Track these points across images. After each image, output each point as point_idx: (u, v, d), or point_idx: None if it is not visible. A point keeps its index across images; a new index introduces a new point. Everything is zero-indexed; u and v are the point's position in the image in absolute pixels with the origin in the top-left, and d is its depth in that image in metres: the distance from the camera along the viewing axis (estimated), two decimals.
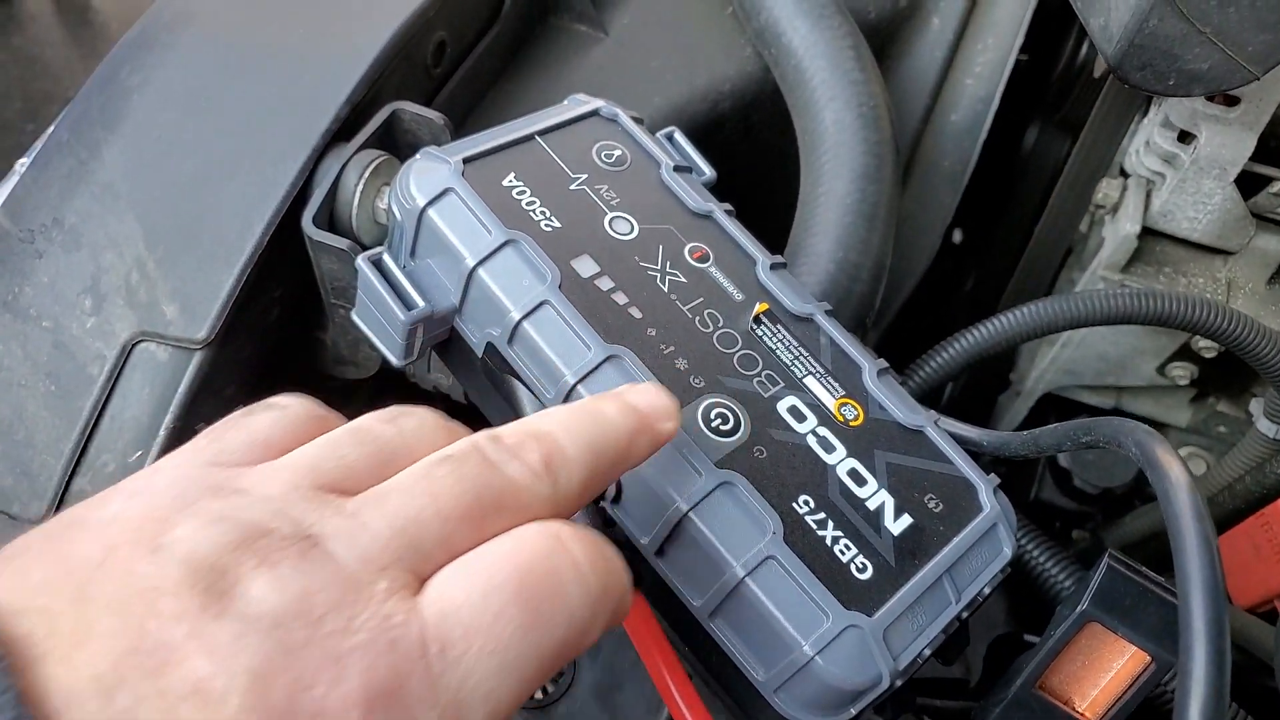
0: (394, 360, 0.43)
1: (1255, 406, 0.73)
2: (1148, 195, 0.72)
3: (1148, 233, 0.73)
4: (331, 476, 0.26)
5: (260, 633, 0.21)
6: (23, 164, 0.63)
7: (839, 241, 0.56)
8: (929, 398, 0.63)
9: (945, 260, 1.18)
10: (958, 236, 1.19)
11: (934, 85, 0.78)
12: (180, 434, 0.45)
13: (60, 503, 0.46)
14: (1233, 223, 0.70)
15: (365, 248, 0.49)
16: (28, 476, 0.46)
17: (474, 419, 0.49)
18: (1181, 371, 0.78)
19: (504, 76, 0.62)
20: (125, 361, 0.45)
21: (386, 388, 0.57)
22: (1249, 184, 0.69)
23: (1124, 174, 0.76)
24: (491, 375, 0.43)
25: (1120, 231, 0.71)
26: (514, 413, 0.42)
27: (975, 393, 0.96)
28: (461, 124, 0.58)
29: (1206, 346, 0.74)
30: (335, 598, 0.23)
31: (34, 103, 2.57)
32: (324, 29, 0.52)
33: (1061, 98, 0.88)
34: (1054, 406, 0.89)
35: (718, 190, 0.52)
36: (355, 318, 0.44)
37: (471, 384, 0.46)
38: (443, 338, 0.44)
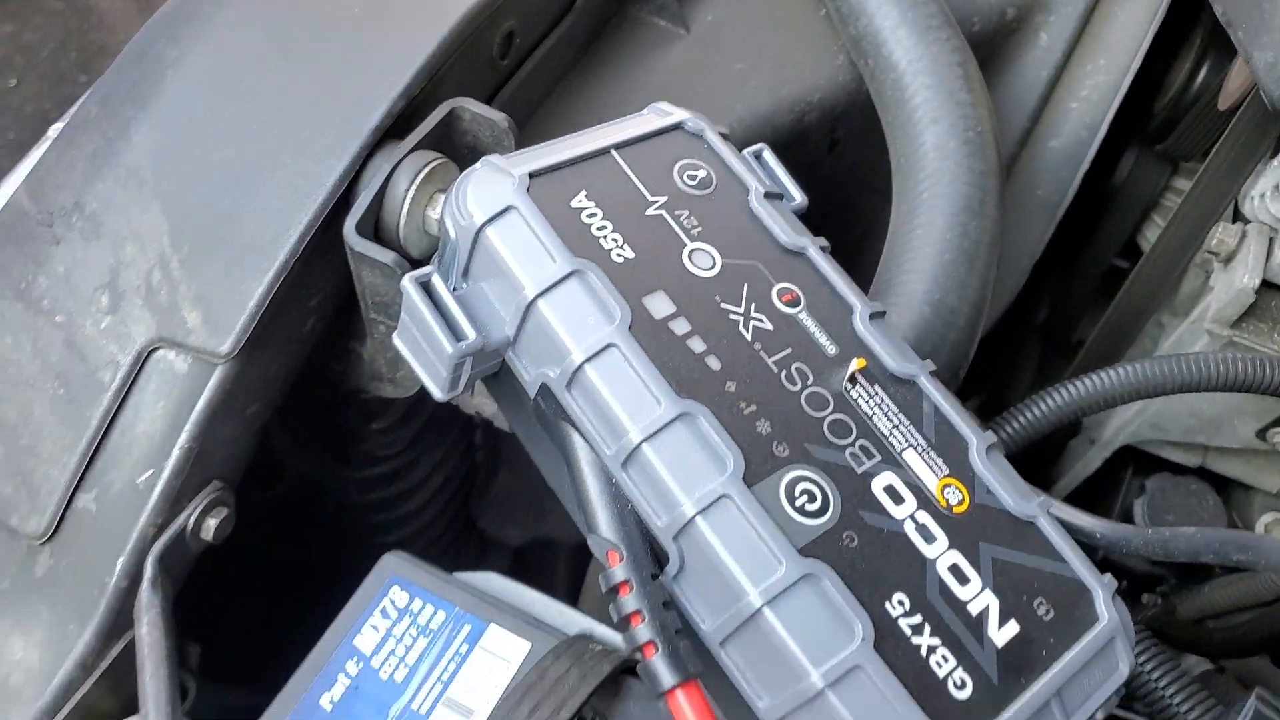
0: (436, 393, 0.38)
1: None
2: (1270, 245, 0.65)
3: (1265, 286, 0.66)
4: None
5: None
6: (56, 129, 0.58)
7: (936, 282, 0.50)
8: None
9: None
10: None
11: (1035, 107, 0.72)
12: (196, 455, 0.40)
13: (61, 520, 0.42)
14: None
15: (412, 260, 0.44)
16: (28, 488, 0.42)
17: (518, 447, 0.44)
18: None
19: (574, 71, 0.57)
20: (140, 369, 0.41)
21: (419, 405, 0.52)
22: None
23: (1240, 218, 0.69)
24: (544, 419, 0.38)
25: (1236, 284, 0.65)
26: (567, 464, 0.37)
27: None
28: (526, 122, 0.53)
29: None
30: None
31: (88, 54, 2.55)
32: (382, 11, 0.47)
33: (1167, 128, 0.81)
34: (1132, 459, 0.83)
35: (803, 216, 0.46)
36: (397, 340, 0.39)
37: (520, 423, 0.41)
38: (494, 370, 0.39)
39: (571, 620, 0.47)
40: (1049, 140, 0.73)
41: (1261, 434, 0.72)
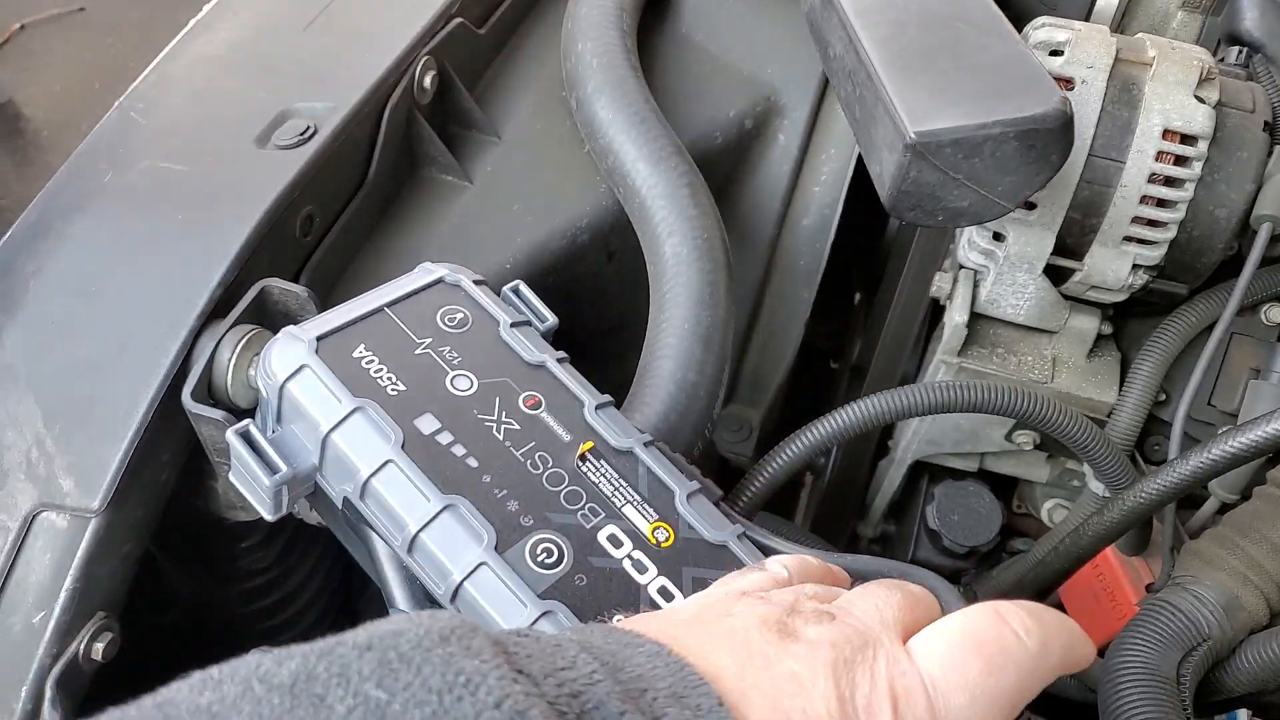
0: (266, 515, 0.49)
1: (1088, 467, 0.81)
2: (975, 285, 0.80)
3: (980, 317, 0.81)
4: (811, 594, 0.40)
5: (823, 649, 0.34)
6: None
7: (679, 363, 0.63)
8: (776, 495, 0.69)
9: (850, 321, 1.28)
10: (859, 298, 1.28)
11: (785, 194, 0.87)
12: (80, 594, 0.50)
13: None
14: (1048, 307, 0.79)
15: (243, 411, 0.55)
16: None
17: None
18: (1025, 438, 0.85)
19: (378, 229, 0.69)
20: (28, 531, 0.51)
21: (280, 524, 0.62)
22: (1059, 273, 0.77)
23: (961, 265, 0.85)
24: (351, 523, 0.49)
25: (952, 320, 0.79)
26: (370, 556, 0.49)
27: (857, 460, 1.04)
28: (336, 281, 0.65)
29: None
30: (860, 641, 0.35)
31: None
32: (200, 215, 0.58)
33: None
34: (926, 471, 0.96)
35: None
36: (232, 478, 0.50)
37: (338, 530, 0.52)
38: (309, 491, 0.50)
39: None
40: (801, 220, 0.88)
41: (1009, 437, 0.86)
